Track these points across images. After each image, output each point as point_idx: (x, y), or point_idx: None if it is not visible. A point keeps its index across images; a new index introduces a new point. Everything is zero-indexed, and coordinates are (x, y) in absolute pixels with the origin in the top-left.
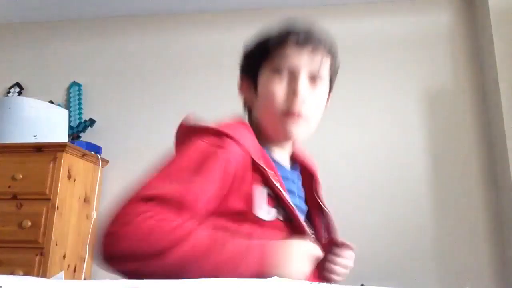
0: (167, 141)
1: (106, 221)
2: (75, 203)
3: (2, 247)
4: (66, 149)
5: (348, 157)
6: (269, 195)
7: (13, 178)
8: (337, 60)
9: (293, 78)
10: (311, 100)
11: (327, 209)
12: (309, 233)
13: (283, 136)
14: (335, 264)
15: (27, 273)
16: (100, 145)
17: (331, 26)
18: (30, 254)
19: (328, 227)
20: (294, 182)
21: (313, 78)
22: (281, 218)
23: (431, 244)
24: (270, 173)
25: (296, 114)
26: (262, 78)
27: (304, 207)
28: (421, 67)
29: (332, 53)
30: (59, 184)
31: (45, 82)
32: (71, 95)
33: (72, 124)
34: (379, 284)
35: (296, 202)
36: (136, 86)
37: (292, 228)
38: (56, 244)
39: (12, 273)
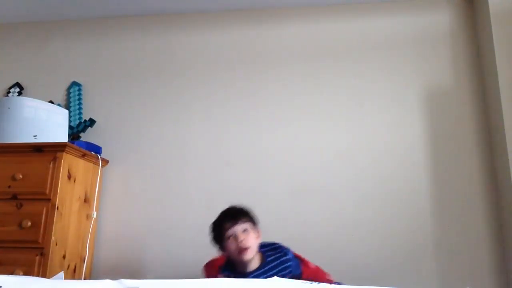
0: (167, 141)
1: None
2: (75, 203)
3: (2, 247)
4: (66, 149)
5: (348, 157)
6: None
7: (13, 178)
8: (254, 217)
9: (235, 236)
10: (247, 239)
11: None
12: None
13: (243, 261)
14: None
15: (27, 273)
16: (100, 145)
17: (331, 26)
18: (30, 254)
19: None
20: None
21: (245, 231)
22: None
23: (431, 244)
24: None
25: (243, 249)
26: (226, 242)
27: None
28: (421, 67)
29: (250, 218)
30: (59, 184)
31: (45, 82)
32: (71, 95)
33: (72, 124)
34: (379, 284)
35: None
36: (136, 86)
37: None
38: (56, 244)
39: (12, 273)
